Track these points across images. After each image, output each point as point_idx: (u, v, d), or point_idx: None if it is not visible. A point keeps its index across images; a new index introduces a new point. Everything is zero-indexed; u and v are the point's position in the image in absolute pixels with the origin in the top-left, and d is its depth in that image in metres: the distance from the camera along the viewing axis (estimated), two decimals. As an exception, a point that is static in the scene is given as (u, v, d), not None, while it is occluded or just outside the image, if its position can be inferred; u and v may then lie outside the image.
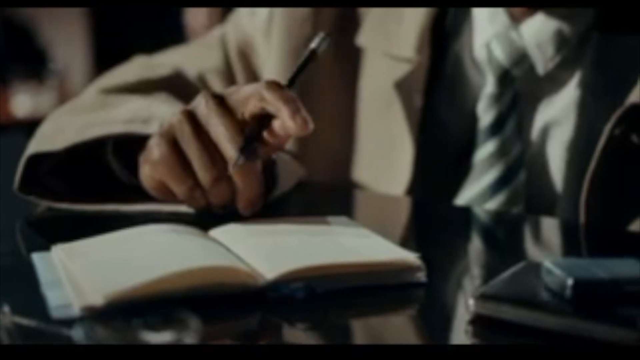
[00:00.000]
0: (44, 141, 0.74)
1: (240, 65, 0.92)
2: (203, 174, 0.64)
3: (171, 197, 0.67)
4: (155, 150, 0.65)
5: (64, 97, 2.72)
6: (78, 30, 3.37)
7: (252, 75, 0.93)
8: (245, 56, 0.92)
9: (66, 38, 3.32)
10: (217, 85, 0.89)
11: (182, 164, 0.65)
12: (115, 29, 3.30)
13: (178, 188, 0.65)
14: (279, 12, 0.91)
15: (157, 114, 0.71)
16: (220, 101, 0.65)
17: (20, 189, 0.72)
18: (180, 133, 0.65)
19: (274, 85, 0.64)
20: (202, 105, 0.65)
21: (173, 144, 0.65)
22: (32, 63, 3.02)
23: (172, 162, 0.65)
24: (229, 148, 0.63)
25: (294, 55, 0.89)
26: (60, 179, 0.74)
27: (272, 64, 0.90)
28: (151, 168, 0.66)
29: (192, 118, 0.65)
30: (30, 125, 0.82)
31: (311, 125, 0.62)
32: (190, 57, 0.92)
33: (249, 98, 0.64)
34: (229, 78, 0.91)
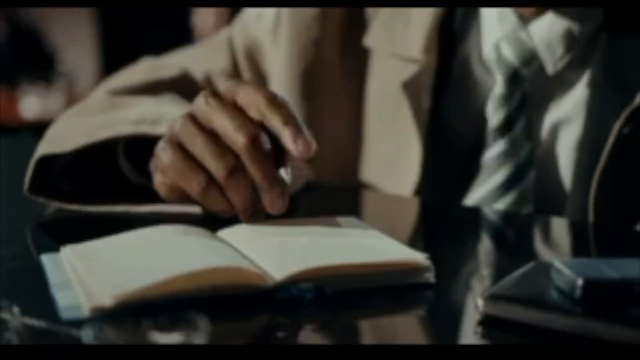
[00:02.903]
0: (53, 143, 0.74)
1: (248, 67, 0.92)
2: (215, 166, 0.61)
3: (189, 202, 0.66)
4: (162, 156, 0.64)
5: (72, 99, 2.73)
6: (86, 32, 3.38)
7: (260, 77, 0.93)
8: (253, 58, 0.92)
9: (74, 41, 3.33)
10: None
11: (191, 163, 0.63)
12: (123, 31, 3.31)
13: (192, 188, 0.63)
14: (286, 14, 0.91)
15: (166, 115, 0.71)
16: (221, 97, 0.63)
17: (30, 190, 0.72)
18: (185, 134, 0.63)
19: (274, 102, 0.61)
20: (202, 104, 0.63)
21: (179, 147, 0.63)
22: (41, 66, 3.03)
23: (181, 163, 0.63)
24: (236, 136, 0.60)
25: (301, 57, 0.89)
26: (70, 180, 0.74)
27: (280, 65, 0.91)
28: (162, 174, 0.65)
29: (194, 119, 0.63)
30: (38, 128, 0.82)
31: (314, 148, 0.60)
32: (197, 59, 0.92)
33: (248, 104, 0.62)
34: (236, 79, 0.91)
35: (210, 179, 0.62)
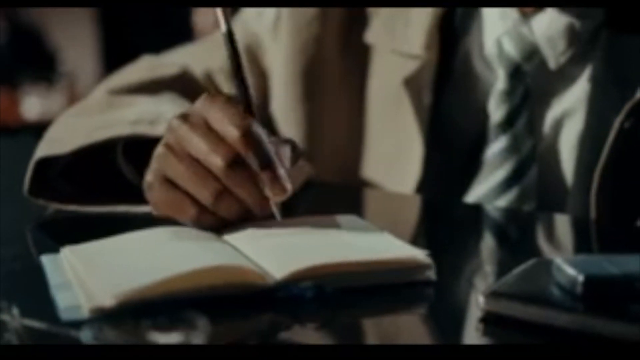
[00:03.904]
0: (52, 144, 0.74)
1: (248, 64, 0.92)
2: (201, 193, 0.61)
3: None
4: (151, 193, 0.64)
5: (73, 99, 2.73)
6: (87, 33, 3.38)
7: (260, 74, 0.92)
8: (253, 55, 0.92)
9: (75, 41, 3.33)
10: (224, 84, 0.89)
11: (179, 197, 0.62)
12: (124, 31, 3.31)
13: (184, 220, 0.63)
14: (286, 12, 0.91)
15: (165, 114, 0.71)
16: (193, 120, 0.63)
17: (29, 192, 0.72)
18: (167, 167, 0.63)
19: (248, 139, 0.60)
20: (175, 131, 0.63)
21: (166, 181, 0.63)
22: (42, 66, 3.03)
23: (170, 199, 0.63)
24: (212, 160, 0.60)
25: (302, 55, 0.89)
26: (70, 181, 0.74)
27: (281, 63, 0.90)
28: (155, 209, 0.66)
29: (172, 148, 0.63)
30: (40, 128, 0.83)
31: (290, 190, 0.60)
32: (197, 57, 0.92)
33: (223, 133, 0.61)
34: None
35: (201, 206, 0.62)
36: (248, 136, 0.60)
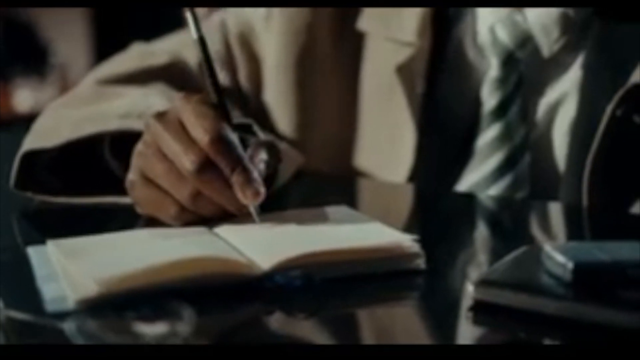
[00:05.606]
0: (39, 137, 0.74)
1: (240, 50, 0.91)
2: (178, 193, 0.61)
3: None
4: (133, 190, 0.64)
5: (65, 92, 2.71)
6: (79, 25, 3.36)
7: (253, 60, 0.91)
8: (245, 41, 0.91)
9: (67, 33, 3.31)
10: (217, 71, 0.88)
11: (161, 196, 0.62)
12: (117, 23, 3.29)
13: (165, 217, 0.63)
14: None
15: (153, 107, 0.70)
16: (168, 119, 0.62)
17: (16, 185, 0.72)
18: (145, 166, 0.63)
19: (219, 145, 0.60)
20: (152, 128, 0.62)
21: (146, 180, 0.63)
22: (34, 59, 3.02)
23: (151, 198, 0.63)
24: (183, 162, 0.60)
25: (295, 42, 0.89)
26: (57, 174, 0.74)
27: (273, 50, 0.90)
28: (138, 207, 0.65)
29: (150, 147, 0.62)
30: (32, 121, 0.82)
31: (262, 195, 0.60)
32: (189, 43, 0.91)
33: (196, 139, 0.61)
34: (229, 63, 0.90)
35: (181, 205, 0.62)
36: (217, 141, 0.60)
